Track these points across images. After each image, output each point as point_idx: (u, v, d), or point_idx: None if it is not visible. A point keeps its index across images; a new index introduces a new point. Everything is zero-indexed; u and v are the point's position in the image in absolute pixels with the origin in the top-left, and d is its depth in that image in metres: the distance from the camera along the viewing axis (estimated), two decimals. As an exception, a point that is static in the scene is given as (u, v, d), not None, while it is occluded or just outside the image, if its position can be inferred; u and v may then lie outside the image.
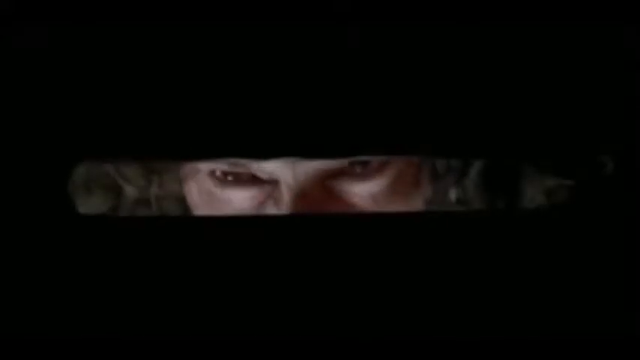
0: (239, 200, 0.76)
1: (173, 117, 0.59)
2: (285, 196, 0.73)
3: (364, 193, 0.74)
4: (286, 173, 0.72)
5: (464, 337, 0.59)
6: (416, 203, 0.77)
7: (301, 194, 0.72)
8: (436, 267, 0.60)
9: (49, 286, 0.60)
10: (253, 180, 0.75)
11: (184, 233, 0.61)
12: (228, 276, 0.60)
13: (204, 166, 0.76)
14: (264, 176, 0.74)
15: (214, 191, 0.76)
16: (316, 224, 0.62)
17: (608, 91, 0.58)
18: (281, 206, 0.73)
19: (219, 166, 0.75)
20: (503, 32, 0.58)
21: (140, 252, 0.60)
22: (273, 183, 0.74)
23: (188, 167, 0.80)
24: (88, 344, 0.59)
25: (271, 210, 0.74)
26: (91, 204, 0.81)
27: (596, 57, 0.58)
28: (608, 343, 0.59)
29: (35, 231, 0.60)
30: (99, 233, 0.60)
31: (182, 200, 0.83)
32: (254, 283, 0.60)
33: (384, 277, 0.60)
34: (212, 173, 0.76)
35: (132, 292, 0.60)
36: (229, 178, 0.75)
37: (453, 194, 0.77)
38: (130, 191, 0.84)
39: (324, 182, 0.73)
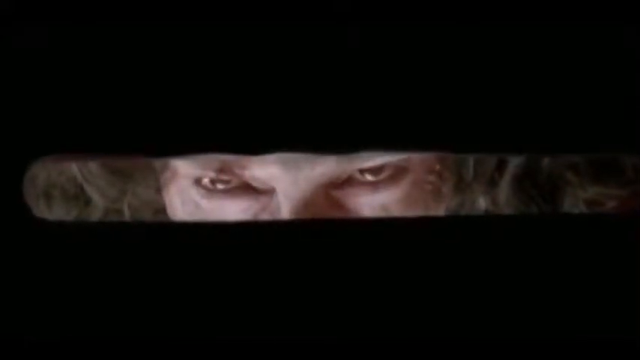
0: (230, 213, 0.68)
1: (175, 116, 0.58)
2: (284, 208, 0.66)
3: (376, 204, 0.67)
4: (285, 181, 0.66)
5: (463, 337, 0.59)
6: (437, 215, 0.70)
7: (302, 206, 0.66)
8: (448, 273, 0.59)
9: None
10: (246, 189, 0.68)
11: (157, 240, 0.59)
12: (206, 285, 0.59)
13: (189, 173, 0.69)
14: (258, 185, 0.68)
15: (201, 203, 0.69)
16: (318, 231, 0.61)
17: (609, 91, 0.58)
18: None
19: (207, 172, 0.68)
20: (503, 32, 0.58)
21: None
22: (270, 193, 0.68)
23: (169, 172, 0.72)
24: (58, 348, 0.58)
25: None
26: (51, 213, 0.75)
27: (596, 57, 0.58)
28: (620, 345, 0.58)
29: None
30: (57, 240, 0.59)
31: (161, 212, 0.75)
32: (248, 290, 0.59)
33: (393, 284, 0.59)
34: (198, 181, 0.69)
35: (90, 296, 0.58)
36: (219, 186, 0.68)
37: (481, 204, 0.73)
38: (98, 200, 0.77)
39: (329, 192, 0.67)
